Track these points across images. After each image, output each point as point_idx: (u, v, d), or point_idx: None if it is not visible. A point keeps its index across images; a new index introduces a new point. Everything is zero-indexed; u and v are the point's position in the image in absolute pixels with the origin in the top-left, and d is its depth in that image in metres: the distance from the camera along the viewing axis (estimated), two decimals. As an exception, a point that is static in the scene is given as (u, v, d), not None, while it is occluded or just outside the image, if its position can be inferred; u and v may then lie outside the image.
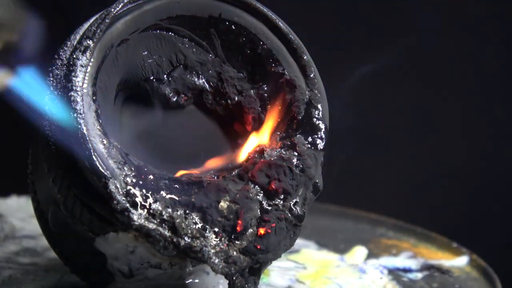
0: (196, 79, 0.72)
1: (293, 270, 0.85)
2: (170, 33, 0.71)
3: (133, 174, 0.65)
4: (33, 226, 0.90)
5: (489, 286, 0.83)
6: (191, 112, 0.73)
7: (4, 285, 0.78)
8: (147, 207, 0.64)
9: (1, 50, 0.51)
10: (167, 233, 0.65)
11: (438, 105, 1.31)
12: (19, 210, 0.99)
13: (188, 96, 0.72)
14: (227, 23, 0.71)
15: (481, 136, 1.31)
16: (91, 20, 0.68)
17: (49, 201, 0.70)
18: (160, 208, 0.65)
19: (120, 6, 0.67)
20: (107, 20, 0.66)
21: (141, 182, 0.65)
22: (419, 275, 0.86)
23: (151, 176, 0.65)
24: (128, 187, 0.64)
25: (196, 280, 0.71)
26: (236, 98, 0.72)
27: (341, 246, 0.93)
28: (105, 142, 0.65)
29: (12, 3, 0.56)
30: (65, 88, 0.65)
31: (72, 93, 0.64)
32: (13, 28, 0.52)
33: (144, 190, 0.65)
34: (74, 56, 0.65)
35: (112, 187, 0.64)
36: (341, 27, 1.30)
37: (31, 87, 0.65)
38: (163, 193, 0.65)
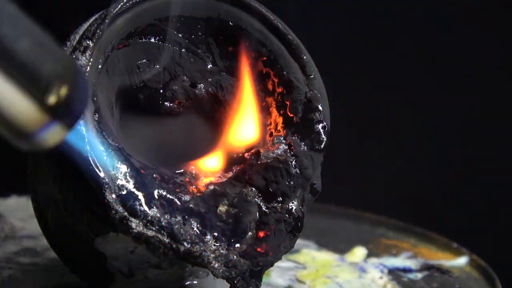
0: (194, 89, 0.72)
1: (293, 270, 0.85)
2: (168, 44, 0.71)
3: (132, 178, 0.64)
4: (33, 226, 0.90)
5: (489, 286, 0.83)
6: (189, 115, 0.73)
7: (4, 285, 0.77)
8: (145, 214, 0.64)
9: (57, 104, 0.50)
10: (166, 239, 0.64)
11: (438, 104, 1.31)
12: (19, 210, 0.99)
13: (186, 104, 0.72)
14: (226, 24, 0.71)
15: (482, 136, 1.31)
16: (91, 20, 0.68)
17: (49, 201, 0.70)
18: (158, 214, 0.64)
19: (119, 6, 0.67)
20: (106, 20, 0.66)
21: (139, 188, 0.64)
22: (419, 275, 0.86)
23: (150, 180, 0.65)
24: (126, 194, 0.64)
25: (195, 282, 0.71)
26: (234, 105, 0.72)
27: (341, 246, 0.93)
28: (104, 143, 0.64)
29: (63, 54, 0.54)
30: (65, 88, 0.65)
31: (72, 93, 0.64)
32: (67, 80, 0.51)
33: (142, 196, 0.64)
34: (74, 56, 0.65)
35: (109, 197, 0.63)
36: (341, 26, 1.30)
37: (84, 140, 0.63)
38: (161, 198, 0.65)
